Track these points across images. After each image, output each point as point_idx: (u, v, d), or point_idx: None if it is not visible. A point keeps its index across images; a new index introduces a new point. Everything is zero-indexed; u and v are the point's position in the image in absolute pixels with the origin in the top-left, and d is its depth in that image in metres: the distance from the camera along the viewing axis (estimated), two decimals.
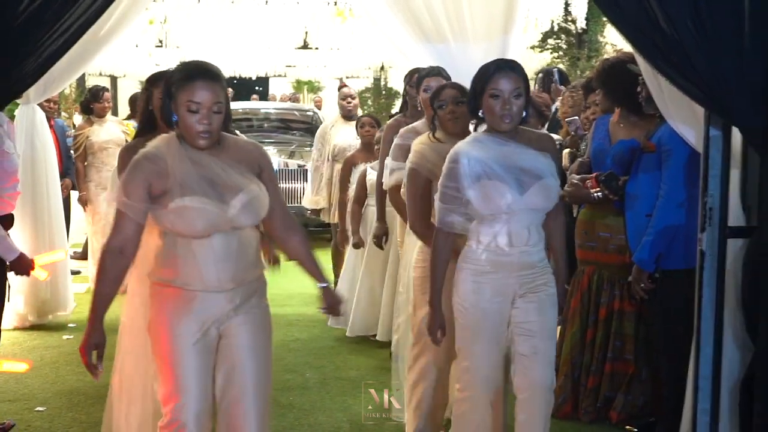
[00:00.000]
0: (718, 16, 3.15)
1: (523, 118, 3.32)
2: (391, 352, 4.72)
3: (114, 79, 18.33)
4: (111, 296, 2.90)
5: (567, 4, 9.70)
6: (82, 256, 8.24)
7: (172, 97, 2.82)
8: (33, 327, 6.20)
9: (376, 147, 5.72)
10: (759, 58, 3.16)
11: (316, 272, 3.13)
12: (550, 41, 15.67)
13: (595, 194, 4.30)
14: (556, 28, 13.99)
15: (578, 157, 4.76)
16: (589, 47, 15.26)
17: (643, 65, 3.59)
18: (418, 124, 4.36)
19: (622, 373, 4.43)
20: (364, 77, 18.39)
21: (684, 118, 3.58)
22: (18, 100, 5.81)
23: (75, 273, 7.43)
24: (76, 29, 3.19)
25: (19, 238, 5.28)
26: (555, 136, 5.43)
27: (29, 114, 6.05)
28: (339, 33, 12.00)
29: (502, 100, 3.22)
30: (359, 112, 7.79)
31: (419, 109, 4.51)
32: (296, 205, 9.03)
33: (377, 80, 19.29)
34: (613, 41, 14.68)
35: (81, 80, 14.73)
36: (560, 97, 5.83)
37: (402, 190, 4.23)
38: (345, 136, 7.15)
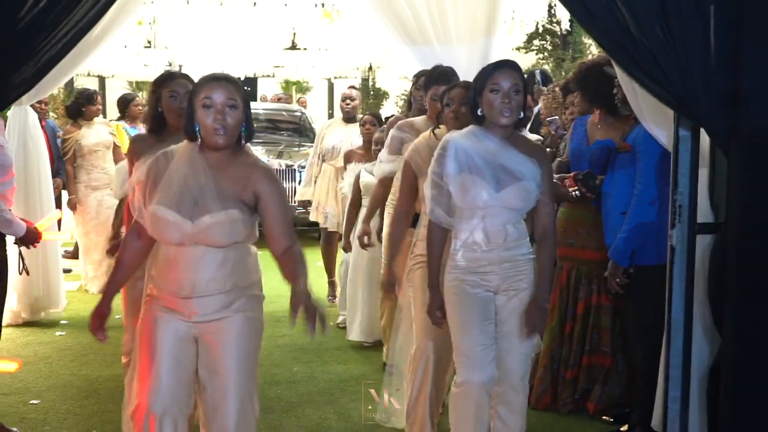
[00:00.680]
0: (686, 24, 3.29)
1: (521, 120, 3.40)
2: (385, 362, 4.73)
3: (102, 80, 18.32)
4: (124, 276, 3.11)
5: (551, 6, 9.79)
6: (73, 255, 8.34)
7: (192, 104, 2.91)
8: (26, 324, 6.31)
9: (374, 148, 5.63)
10: (724, 65, 3.30)
11: (296, 285, 2.96)
12: (536, 42, 15.79)
13: (573, 193, 4.45)
14: (540, 29, 14.13)
15: (557, 156, 4.91)
16: (573, 48, 15.39)
17: (617, 69, 3.73)
18: (417, 119, 4.40)
19: (599, 366, 4.58)
20: (352, 77, 18.46)
21: (656, 119, 3.71)
22: None
23: (67, 271, 7.53)
24: (75, 33, 3.25)
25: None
26: (536, 136, 5.59)
27: (22, 115, 6.12)
28: (327, 34, 12.08)
29: (501, 94, 3.29)
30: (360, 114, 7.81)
31: (424, 110, 4.47)
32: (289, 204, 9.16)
33: (365, 80, 19.37)
34: None
35: (69, 81, 14.78)
36: (542, 98, 5.98)
37: (393, 186, 4.30)
38: (337, 137, 7.21)
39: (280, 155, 10.51)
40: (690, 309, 3.59)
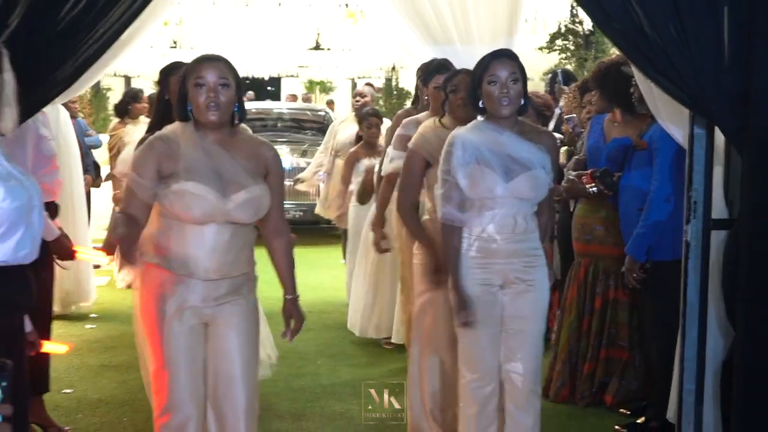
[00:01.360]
0: (699, 23, 3.34)
1: (522, 107, 3.39)
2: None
3: (128, 79, 18.56)
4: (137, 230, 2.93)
5: (573, 6, 9.81)
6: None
7: (185, 85, 2.93)
8: (57, 317, 6.44)
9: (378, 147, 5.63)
10: (737, 65, 3.35)
11: (287, 282, 3.18)
12: (558, 42, 15.83)
13: (591, 189, 4.51)
14: (563, 29, 14.18)
15: (575, 154, 4.99)
16: (596, 48, 15.41)
17: (634, 68, 3.80)
18: (421, 115, 4.41)
19: (616, 359, 4.67)
20: (376, 77, 18.58)
21: (672, 117, 3.76)
22: None
23: (96, 267, 7.69)
24: (111, 34, 3.32)
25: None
26: (558, 135, 5.67)
27: (54, 114, 6.22)
28: (350, 34, 12.19)
29: (499, 84, 3.29)
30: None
31: (427, 103, 4.53)
32: (307, 202, 9.28)
33: (389, 80, 19.48)
34: None
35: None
36: (563, 97, 6.06)
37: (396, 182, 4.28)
38: (351, 132, 7.19)
39: (304, 154, 10.67)
40: (704, 303, 3.64)
